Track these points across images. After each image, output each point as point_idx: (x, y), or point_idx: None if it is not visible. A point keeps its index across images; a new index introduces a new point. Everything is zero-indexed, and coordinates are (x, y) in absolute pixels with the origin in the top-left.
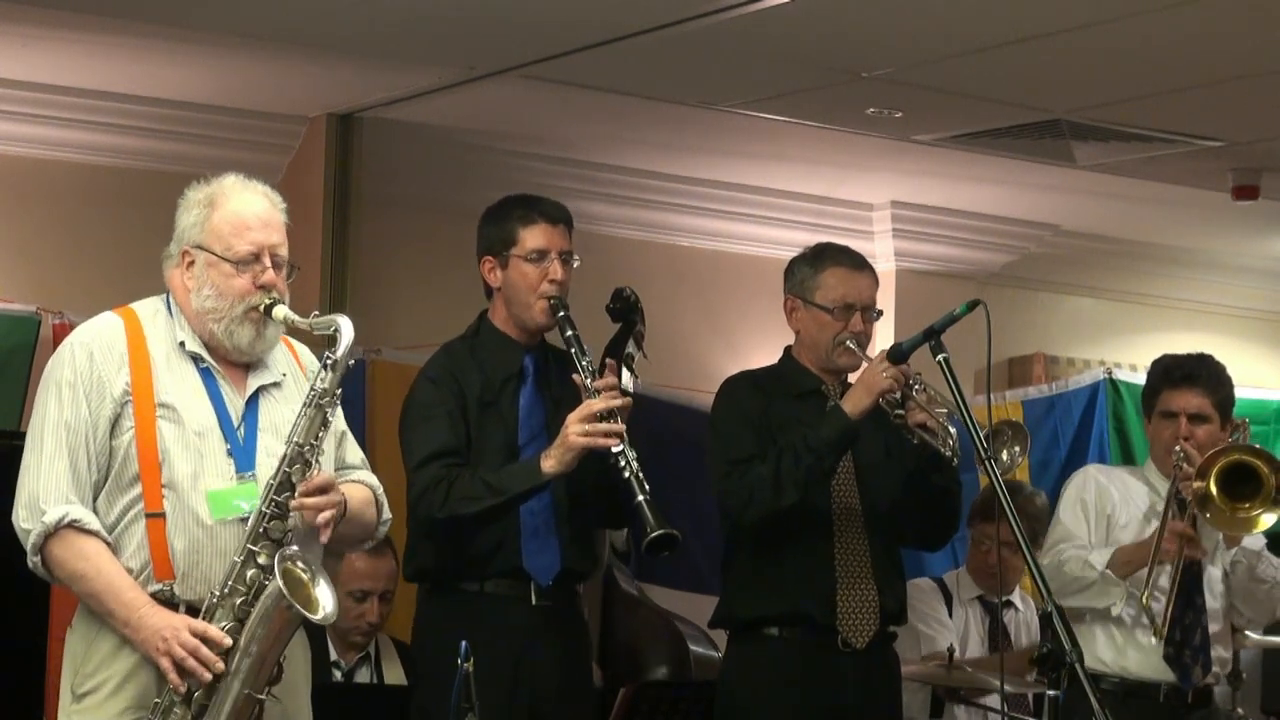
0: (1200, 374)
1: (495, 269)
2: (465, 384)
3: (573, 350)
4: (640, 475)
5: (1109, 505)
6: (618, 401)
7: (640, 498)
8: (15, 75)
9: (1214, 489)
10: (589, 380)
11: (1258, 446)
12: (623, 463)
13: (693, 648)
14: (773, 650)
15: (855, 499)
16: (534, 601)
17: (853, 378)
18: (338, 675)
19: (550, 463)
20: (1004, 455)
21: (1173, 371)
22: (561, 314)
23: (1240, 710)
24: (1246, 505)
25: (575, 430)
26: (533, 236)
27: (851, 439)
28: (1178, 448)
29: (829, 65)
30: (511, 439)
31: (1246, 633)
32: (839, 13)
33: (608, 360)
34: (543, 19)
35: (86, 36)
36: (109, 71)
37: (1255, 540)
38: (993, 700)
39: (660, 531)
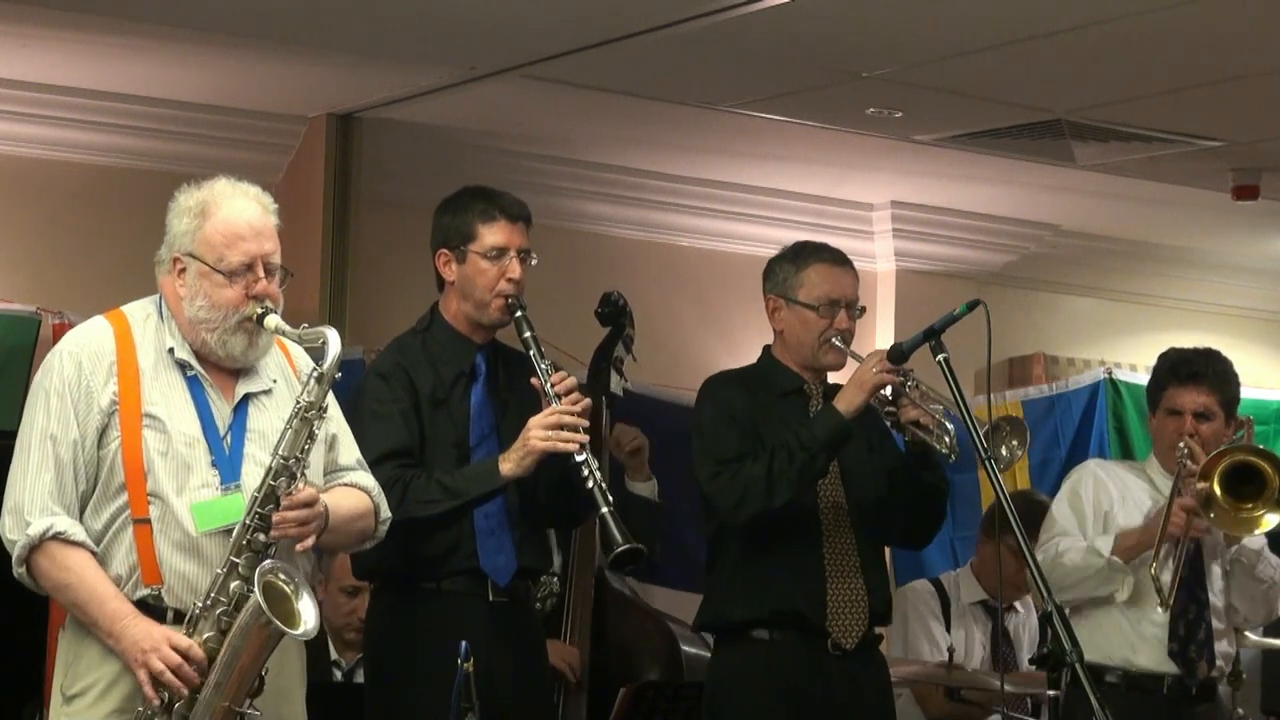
0: (1206, 372)
1: (451, 263)
2: (417, 380)
3: (531, 352)
4: (603, 485)
5: (1107, 502)
6: (580, 407)
7: (604, 510)
8: (15, 75)
9: (1217, 490)
10: (548, 385)
11: (1261, 447)
12: (585, 472)
13: (685, 648)
14: (762, 654)
15: (841, 497)
16: (490, 598)
17: (835, 376)
18: (338, 675)
19: (509, 465)
20: (1003, 450)
21: (1179, 368)
22: (519, 314)
23: (1240, 710)
24: (1249, 505)
25: (537, 435)
26: (492, 234)
27: (845, 438)
28: (1181, 444)
29: (829, 65)
30: (462, 438)
31: (1246, 634)
32: (839, 13)
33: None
34: (543, 19)
35: (86, 36)
36: (109, 71)
37: (1256, 539)
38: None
39: (626, 547)
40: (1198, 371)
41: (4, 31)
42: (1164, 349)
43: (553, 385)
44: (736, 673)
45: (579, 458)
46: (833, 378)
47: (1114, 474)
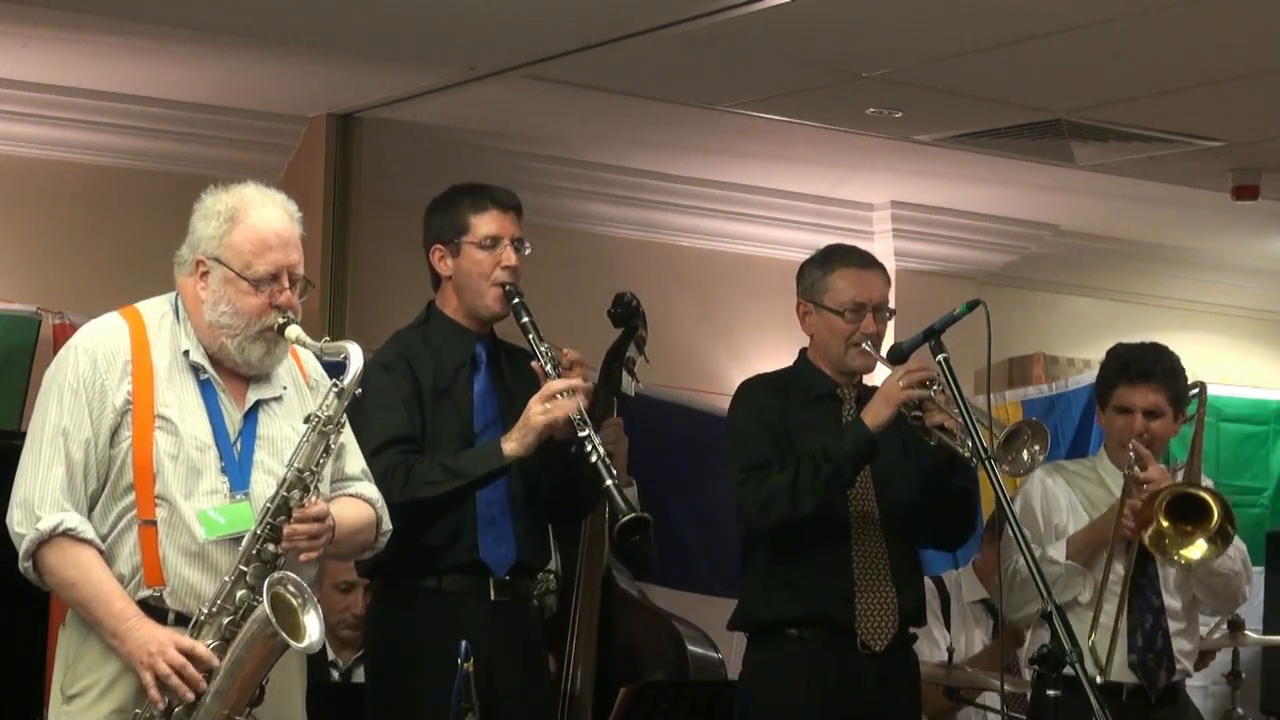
0: (1156, 370)
1: (446, 257)
2: (419, 370)
3: (530, 336)
4: (608, 460)
5: (1057, 515)
6: (577, 381)
7: (609, 482)
8: (15, 75)
9: (1164, 523)
10: (548, 366)
11: (1195, 485)
12: (589, 447)
13: (690, 648)
14: (793, 652)
15: (872, 503)
16: (492, 596)
17: (868, 379)
18: (335, 675)
19: (512, 444)
20: (1025, 455)
21: (1129, 367)
22: (516, 300)
23: (1240, 710)
24: (1190, 528)
25: (537, 410)
26: (485, 223)
27: (871, 452)
28: (1130, 450)
29: (829, 65)
30: (466, 426)
31: (1246, 632)
32: (839, 13)
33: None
34: (543, 19)
35: (86, 36)
36: (109, 71)
37: None
38: (991, 699)
39: (631, 515)
40: (1148, 370)
41: (4, 31)
42: None
43: (554, 365)
44: (768, 671)
45: (581, 434)
46: (868, 380)
47: (1062, 479)
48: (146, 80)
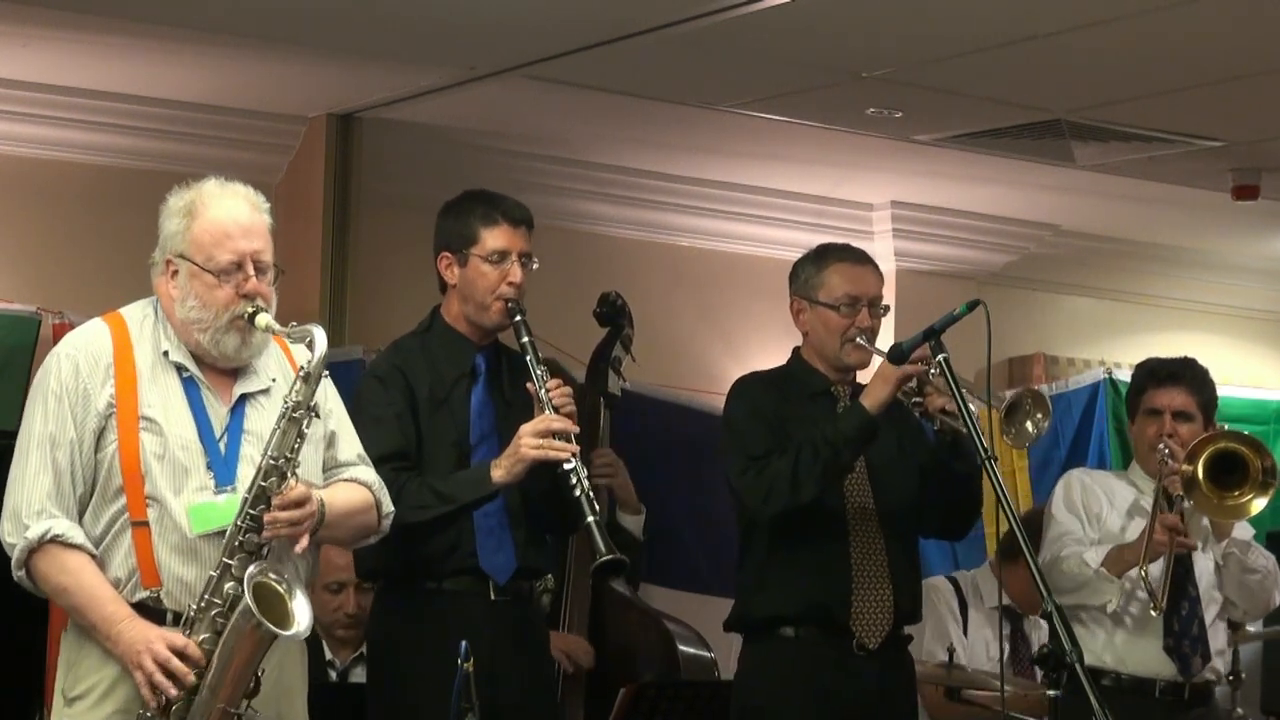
0: (1184, 374)
1: (453, 266)
2: (414, 382)
3: (528, 358)
4: (591, 495)
5: (1096, 505)
6: (571, 423)
7: (590, 519)
8: (15, 75)
9: (1201, 475)
10: (543, 391)
11: (1244, 433)
12: (574, 480)
13: (682, 648)
14: (788, 651)
15: (869, 499)
16: (492, 597)
17: (863, 376)
18: (332, 675)
19: (500, 472)
20: (1029, 425)
21: (1158, 371)
22: (518, 318)
23: (1240, 710)
24: (1235, 493)
25: (528, 443)
26: (494, 237)
27: (871, 433)
28: (1161, 444)
29: (829, 65)
30: (463, 438)
31: (1246, 627)
32: (839, 13)
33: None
34: (543, 19)
35: (86, 36)
36: (109, 71)
37: (1244, 530)
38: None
39: (607, 558)
40: (1176, 373)
41: (4, 31)
42: (1164, 349)
43: (547, 392)
44: (763, 670)
45: (567, 466)
46: (862, 377)
47: (1098, 480)
48: (146, 80)
